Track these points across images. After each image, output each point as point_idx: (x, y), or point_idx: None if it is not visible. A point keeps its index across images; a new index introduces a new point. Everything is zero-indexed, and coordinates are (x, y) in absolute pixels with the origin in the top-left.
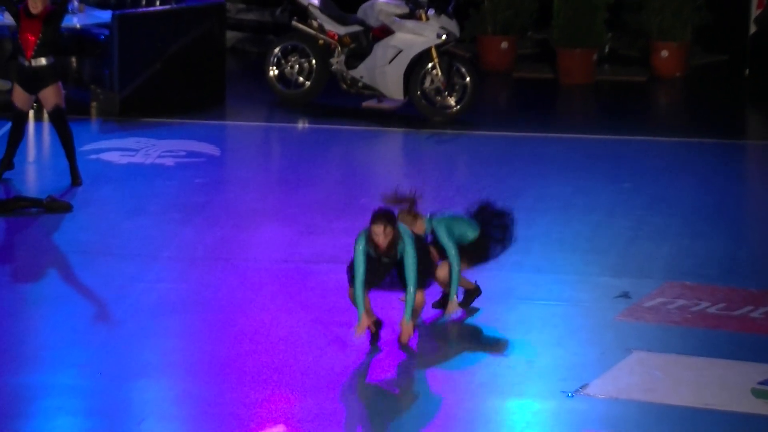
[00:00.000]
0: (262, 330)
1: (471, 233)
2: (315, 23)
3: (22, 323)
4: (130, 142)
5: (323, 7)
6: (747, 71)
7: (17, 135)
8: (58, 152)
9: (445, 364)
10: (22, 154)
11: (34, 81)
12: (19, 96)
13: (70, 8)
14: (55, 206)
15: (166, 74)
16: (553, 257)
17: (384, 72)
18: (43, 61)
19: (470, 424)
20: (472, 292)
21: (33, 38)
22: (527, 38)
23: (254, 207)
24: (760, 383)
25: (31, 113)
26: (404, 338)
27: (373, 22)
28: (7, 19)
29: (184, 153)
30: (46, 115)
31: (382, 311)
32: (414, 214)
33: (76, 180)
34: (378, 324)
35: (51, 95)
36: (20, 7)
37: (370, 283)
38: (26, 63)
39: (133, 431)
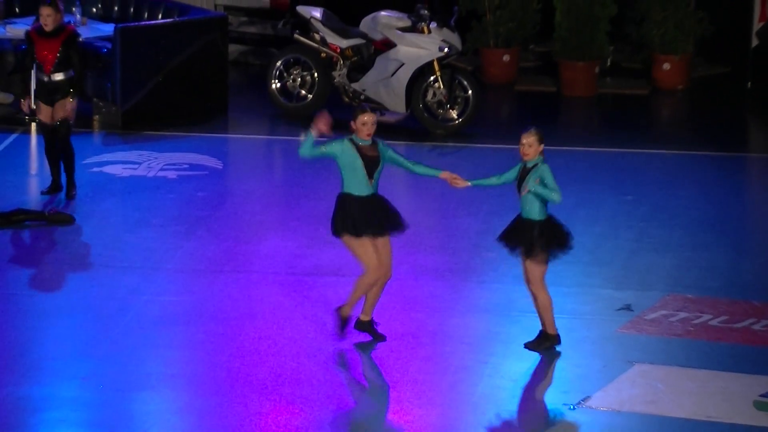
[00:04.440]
0: (265, 342)
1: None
2: (317, 36)
3: (25, 335)
4: (132, 155)
5: (325, 20)
6: (749, 84)
7: (64, 146)
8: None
9: (446, 377)
10: (25, 166)
11: (52, 94)
12: (43, 111)
13: (72, 21)
14: (58, 219)
15: (168, 87)
16: (555, 269)
17: (386, 85)
18: (61, 75)
19: None
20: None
21: (51, 56)
22: (529, 51)
23: (257, 219)
24: (762, 395)
25: (33, 126)
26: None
27: (375, 35)
28: (9, 33)
29: (186, 166)
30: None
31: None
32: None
33: (70, 192)
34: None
35: (63, 107)
36: (31, 30)
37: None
38: (45, 78)
39: None
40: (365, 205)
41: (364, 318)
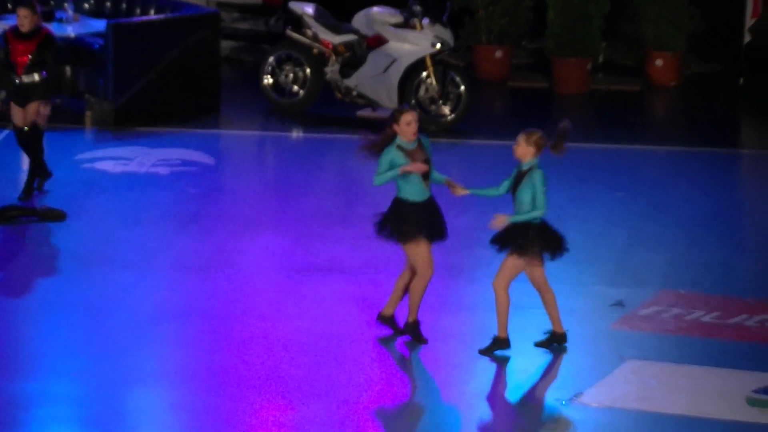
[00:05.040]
0: (257, 338)
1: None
2: (309, 32)
3: (17, 332)
4: (124, 151)
5: (318, 17)
6: (741, 80)
7: (31, 150)
8: (53, 161)
9: (439, 373)
10: (17, 162)
11: (25, 96)
12: (16, 113)
13: (64, 17)
14: (50, 215)
15: (160, 83)
16: (548, 266)
17: (378, 81)
18: (35, 77)
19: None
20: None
21: (24, 58)
22: (522, 47)
23: (249, 216)
24: (755, 391)
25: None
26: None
27: (367, 31)
28: (1, 29)
29: (178, 162)
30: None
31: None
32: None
33: (26, 195)
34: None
35: (35, 110)
36: (7, 30)
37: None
38: (17, 79)
39: None
40: (421, 211)
41: (387, 312)
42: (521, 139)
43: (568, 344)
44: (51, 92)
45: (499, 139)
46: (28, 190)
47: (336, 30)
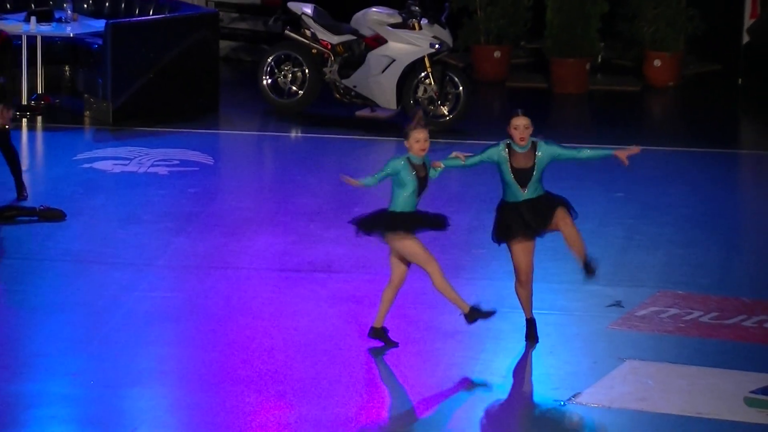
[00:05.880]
0: (256, 338)
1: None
2: (308, 32)
3: (16, 331)
4: (123, 151)
5: (316, 17)
6: (740, 81)
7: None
8: (49, 161)
9: (436, 372)
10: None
11: None
12: None
13: (63, 17)
14: (49, 214)
15: (159, 83)
16: (545, 266)
17: (377, 81)
18: None
19: None
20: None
21: None
22: (520, 48)
23: (247, 216)
24: (753, 392)
25: (24, 122)
26: None
27: (365, 31)
28: None
29: (177, 162)
30: (39, 124)
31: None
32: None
33: (21, 194)
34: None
35: None
36: None
37: None
38: None
39: None
40: (515, 210)
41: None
42: None
43: (566, 344)
44: (10, 96)
45: (497, 140)
46: (21, 187)
47: (335, 30)
